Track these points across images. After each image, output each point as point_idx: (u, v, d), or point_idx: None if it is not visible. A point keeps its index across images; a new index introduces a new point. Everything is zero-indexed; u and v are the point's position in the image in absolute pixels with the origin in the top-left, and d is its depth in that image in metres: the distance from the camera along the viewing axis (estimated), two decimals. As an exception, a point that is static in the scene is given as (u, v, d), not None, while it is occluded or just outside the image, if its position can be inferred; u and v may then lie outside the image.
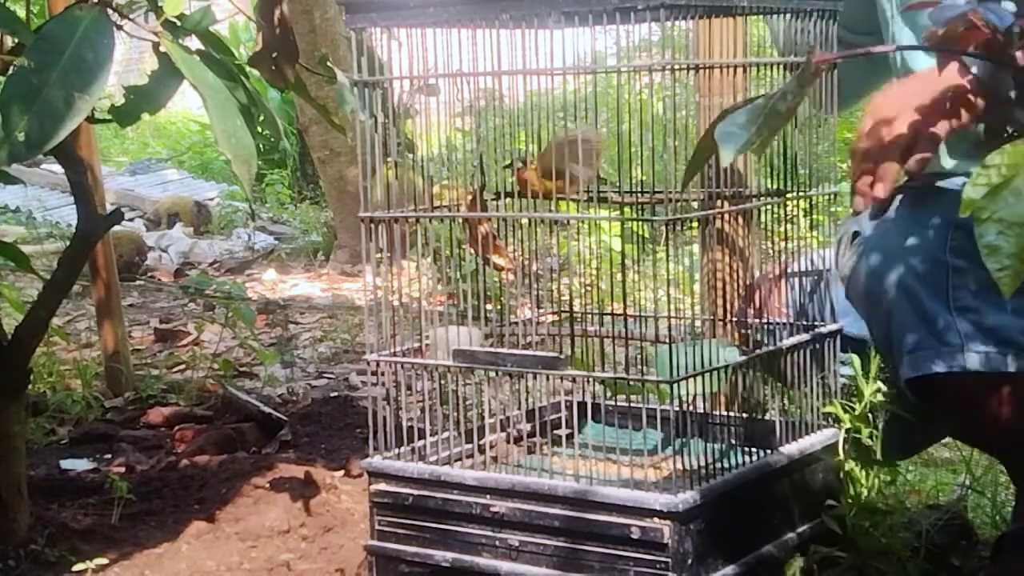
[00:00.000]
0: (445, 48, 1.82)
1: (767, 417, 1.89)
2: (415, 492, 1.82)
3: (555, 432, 2.02)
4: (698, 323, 2.05)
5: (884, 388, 1.82)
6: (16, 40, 1.84)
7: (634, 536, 1.64)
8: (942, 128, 1.60)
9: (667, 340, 1.82)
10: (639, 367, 1.99)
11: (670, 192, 1.69)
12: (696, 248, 2.20)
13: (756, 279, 2.03)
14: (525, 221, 1.99)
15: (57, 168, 5.71)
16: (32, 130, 1.54)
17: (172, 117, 11.53)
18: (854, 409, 1.84)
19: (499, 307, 2.15)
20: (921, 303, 1.54)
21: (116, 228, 2.47)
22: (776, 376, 1.86)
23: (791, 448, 1.84)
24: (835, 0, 1.84)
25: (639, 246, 2.05)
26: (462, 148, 2.00)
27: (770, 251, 1.94)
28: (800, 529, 1.84)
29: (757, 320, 1.91)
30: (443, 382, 1.86)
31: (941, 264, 1.53)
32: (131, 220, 7.54)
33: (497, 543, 1.76)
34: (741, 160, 1.94)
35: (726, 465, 1.75)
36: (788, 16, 1.82)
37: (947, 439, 2.31)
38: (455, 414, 1.87)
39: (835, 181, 1.90)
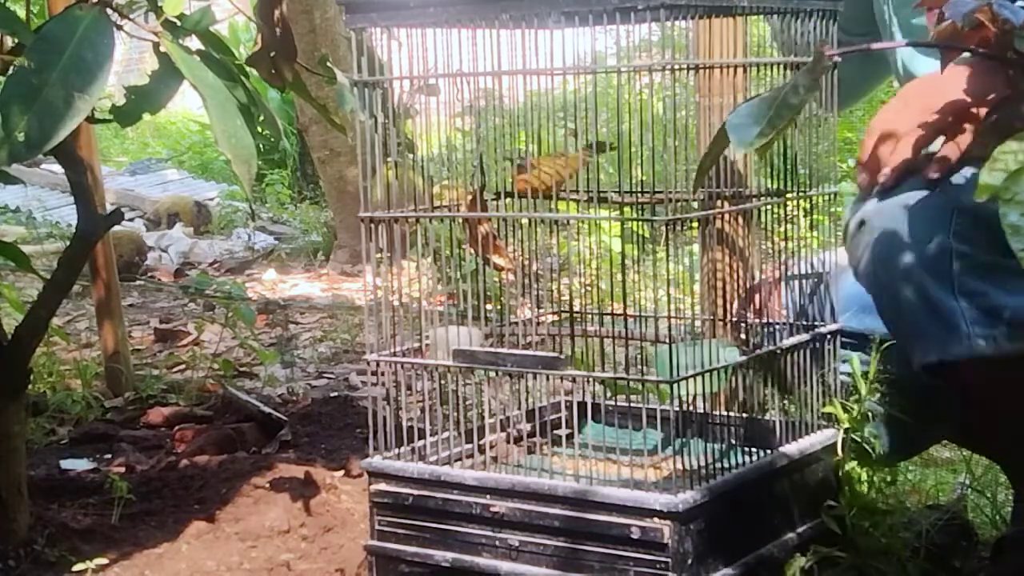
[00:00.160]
0: (445, 48, 1.82)
1: (767, 417, 1.89)
2: (415, 492, 1.82)
3: (555, 432, 2.02)
4: (698, 323, 2.05)
5: (884, 388, 1.82)
6: (16, 40, 1.84)
7: (634, 536, 1.64)
8: (951, 151, 1.60)
9: (667, 340, 1.82)
10: (639, 367, 1.99)
11: (670, 192, 1.69)
12: (696, 248, 2.20)
13: (756, 282, 2.03)
14: (525, 221, 1.99)
15: (57, 168, 5.71)
16: (32, 130, 1.54)
17: (172, 117, 11.53)
18: (854, 409, 1.84)
19: (499, 307, 2.15)
20: (926, 290, 1.54)
21: (116, 228, 2.47)
22: (776, 376, 1.86)
23: (791, 448, 1.84)
24: (835, 0, 1.84)
25: (639, 246, 2.05)
26: (462, 148, 2.00)
27: (770, 251, 1.94)
28: (800, 529, 1.84)
29: (757, 320, 1.91)
30: (443, 382, 1.86)
31: (945, 249, 1.53)
32: (131, 220, 7.55)
33: (497, 543, 1.76)
34: (741, 160, 1.94)
35: (726, 465, 1.75)
36: (788, 16, 1.82)
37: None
38: (455, 414, 1.87)
39: (835, 181, 1.90)
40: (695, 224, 1.96)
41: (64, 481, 2.58)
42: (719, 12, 1.87)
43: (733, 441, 1.90)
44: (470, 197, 1.92)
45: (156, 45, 1.71)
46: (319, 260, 6.27)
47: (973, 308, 1.52)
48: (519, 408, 2.05)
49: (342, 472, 2.49)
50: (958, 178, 1.58)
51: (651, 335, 2.00)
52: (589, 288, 2.12)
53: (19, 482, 2.14)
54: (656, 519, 1.63)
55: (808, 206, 1.89)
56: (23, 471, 2.15)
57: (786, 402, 1.87)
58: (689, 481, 1.68)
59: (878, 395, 1.82)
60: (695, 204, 1.87)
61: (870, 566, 1.83)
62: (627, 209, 1.88)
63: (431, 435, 1.88)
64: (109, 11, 1.67)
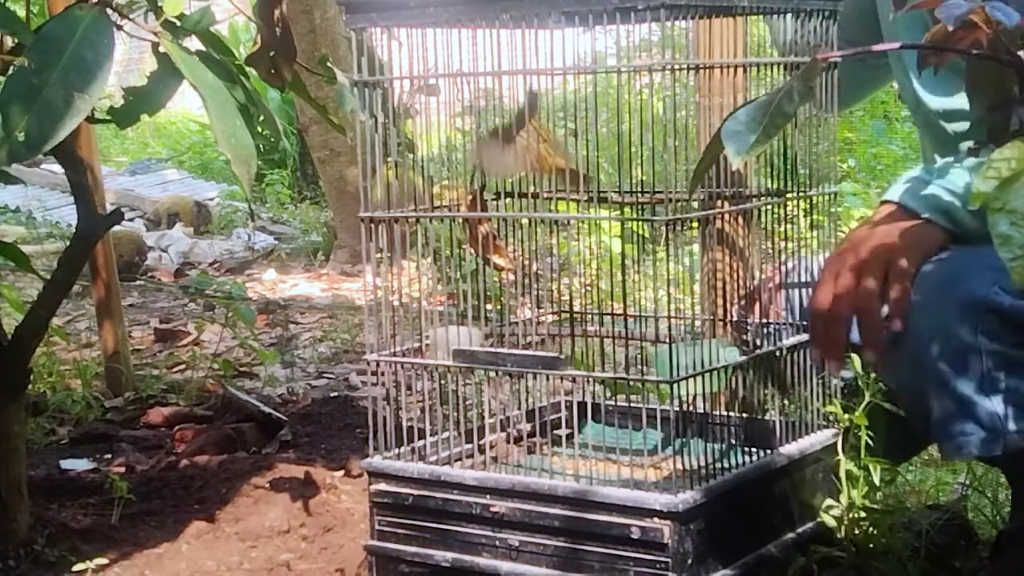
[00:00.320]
0: (445, 48, 1.82)
1: (767, 417, 1.89)
2: (415, 492, 1.82)
3: (555, 432, 2.02)
4: (698, 323, 2.05)
5: (884, 388, 1.82)
6: (16, 40, 1.84)
7: (634, 536, 1.64)
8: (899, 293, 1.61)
9: (667, 340, 1.82)
10: (639, 367, 1.99)
11: (670, 192, 1.69)
12: (696, 248, 2.20)
13: (756, 282, 2.02)
14: (525, 221, 1.99)
15: (57, 168, 5.71)
16: (32, 130, 1.54)
17: (172, 117, 11.53)
18: (854, 409, 1.84)
19: (499, 307, 2.15)
20: (958, 390, 1.54)
21: (116, 228, 2.47)
22: (776, 376, 1.86)
23: (791, 448, 1.84)
24: (835, 0, 1.84)
25: (639, 246, 2.05)
26: (462, 148, 2.00)
27: (770, 251, 1.94)
28: (800, 529, 1.84)
29: (757, 321, 1.91)
30: (443, 382, 1.86)
31: (975, 349, 1.53)
32: (131, 220, 7.55)
33: (497, 543, 1.76)
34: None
35: (726, 465, 1.75)
36: (788, 16, 1.82)
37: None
38: (455, 414, 1.87)
39: (835, 181, 1.90)
40: (695, 224, 1.96)
41: (64, 481, 2.58)
42: (719, 12, 1.87)
43: (733, 441, 1.90)
44: (470, 197, 1.92)
45: (156, 45, 1.71)
46: (319, 260, 6.27)
47: (1008, 404, 1.53)
48: (519, 408, 2.05)
49: (342, 472, 2.49)
50: (979, 272, 1.57)
51: (651, 335, 2.00)
52: (589, 288, 2.12)
53: (19, 482, 2.14)
54: (656, 519, 1.63)
55: (808, 206, 1.89)
56: (23, 471, 2.15)
57: (786, 402, 1.87)
58: (689, 481, 1.68)
59: (879, 395, 1.82)
60: (695, 204, 1.87)
61: (870, 566, 1.83)
62: (627, 209, 1.88)
63: (431, 435, 1.88)
64: (109, 11, 1.67)
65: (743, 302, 1.98)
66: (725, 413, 1.96)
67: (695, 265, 2.17)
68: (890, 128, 7.19)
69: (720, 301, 2.01)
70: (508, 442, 1.98)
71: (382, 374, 1.88)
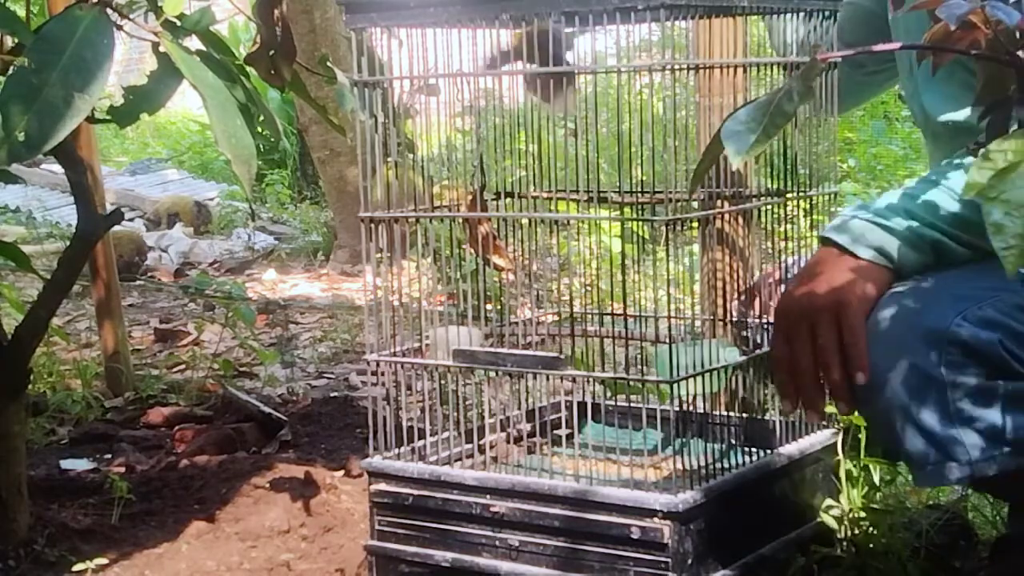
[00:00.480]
0: (445, 48, 1.82)
1: (767, 417, 1.89)
2: (415, 492, 1.82)
3: (555, 432, 2.02)
4: (698, 323, 2.05)
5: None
6: (16, 40, 1.84)
7: (634, 536, 1.64)
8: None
9: (667, 340, 1.82)
10: (639, 367, 1.99)
11: (670, 192, 1.69)
12: (696, 248, 2.20)
13: (755, 283, 2.03)
14: (525, 221, 1.99)
15: (57, 168, 5.71)
16: (32, 130, 1.54)
17: (172, 117, 11.53)
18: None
19: (499, 307, 2.15)
20: (922, 423, 1.55)
21: (116, 228, 2.47)
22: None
23: (791, 448, 1.84)
24: (835, 0, 1.84)
25: (639, 246, 2.05)
26: (462, 148, 2.00)
27: (770, 251, 1.94)
28: (800, 529, 1.84)
29: (757, 320, 1.91)
30: (443, 382, 1.86)
31: (939, 380, 1.54)
32: (131, 220, 7.54)
33: (497, 543, 1.76)
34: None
35: (726, 465, 1.75)
36: (787, 16, 1.82)
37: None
38: (455, 414, 1.88)
39: (835, 181, 1.90)
40: (695, 224, 1.96)
41: (64, 481, 2.58)
42: (719, 12, 1.87)
43: (733, 441, 1.90)
44: (470, 197, 1.92)
45: (156, 45, 1.71)
46: (319, 260, 6.27)
47: (973, 433, 1.54)
48: (519, 408, 2.05)
49: (342, 472, 2.49)
50: (939, 304, 1.58)
51: (651, 335, 2.00)
52: (589, 288, 2.12)
53: (19, 482, 2.14)
54: (656, 519, 1.63)
55: (808, 206, 1.89)
56: (23, 471, 2.15)
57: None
58: (689, 481, 1.68)
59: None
60: (695, 204, 1.87)
61: (870, 566, 1.83)
62: (627, 209, 1.88)
63: (431, 435, 1.88)
64: (109, 11, 1.66)
65: (743, 299, 1.99)
66: (725, 413, 1.96)
67: (695, 265, 2.17)
68: (890, 128, 7.20)
69: (720, 301, 2.02)
70: (508, 442, 1.98)
71: (382, 374, 1.88)
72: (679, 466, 1.71)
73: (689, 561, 1.64)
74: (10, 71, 1.58)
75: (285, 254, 6.53)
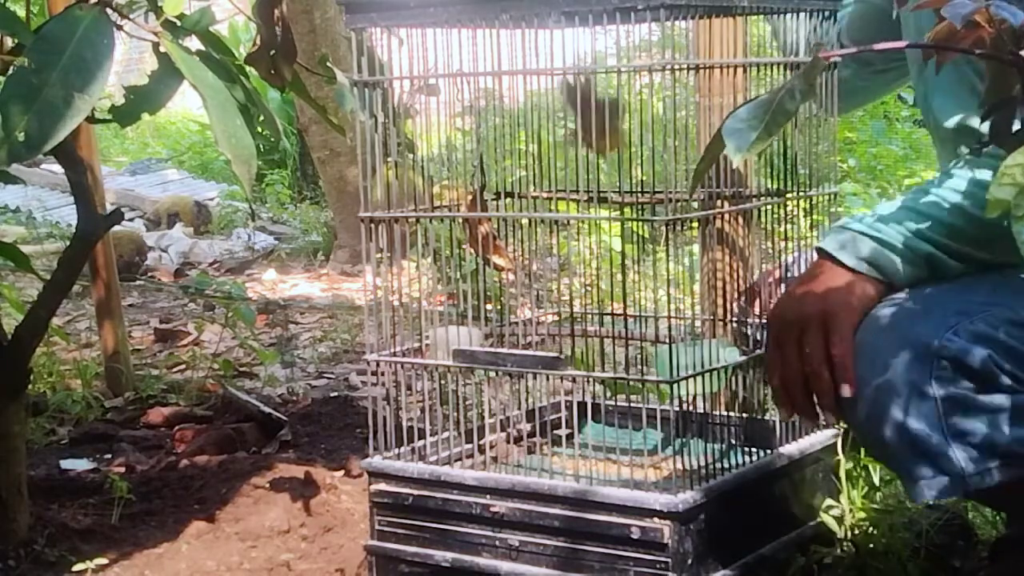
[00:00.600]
0: (445, 48, 1.82)
1: (767, 417, 1.89)
2: (415, 492, 1.82)
3: (555, 432, 2.02)
4: (698, 323, 2.05)
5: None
6: (16, 40, 1.84)
7: (634, 536, 1.64)
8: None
9: (667, 340, 1.82)
10: (639, 367, 1.99)
11: (670, 192, 1.69)
12: (696, 248, 2.20)
13: (755, 282, 2.03)
14: (525, 221, 1.99)
15: (57, 168, 5.71)
16: (32, 130, 1.54)
17: (172, 117, 11.53)
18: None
19: (499, 307, 2.15)
20: (913, 437, 1.56)
21: (116, 228, 2.47)
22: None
23: (791, 448, 1.84)
24: (835, 0, 1.84)
25: (639, 246, 2.05)
26: (462, 148, 2.00)
27: (770, 251, 1.94)
28: (800, 529, 1.84)
29: (757, 320, 1.91)
30: (443, 382, 1.86)
31: (929, 395, 1.54)
32: (131, 220, 7.54)
33: (497, 543, 1.76)
34: (740, 161, 1.93)
35: (726, 465, 1.75)
36: (788, 16, 1.82)
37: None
38: (455, 414, 1.88)
39: (835, 181, 1.90)
40: (695, 224, 1.96)
41: (64, 481, 2.58)
42: (719, 12, 1.87)
43: (733, 441, 1.90)
44: (470, 197, 1.92)
45: (156, 45, 1.71)
46: (319, 260, 6.27)
47: (965, 446, 1.54)
48: (519, 408, 2.05)
49: (342, 472, 2.49)
50: (930, 318, 1.58)
51: (651, 335, 2.00)
52: (589, 288, 2.12)
53: (19, 482, 2.14)
54: (656, 519, 1.63)
55: (808, 206, 1.89)
56: (23, 471, 2.15)
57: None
58: (689, 481, 1.68)
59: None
60: (695, 204, 1.87)
61: (870, 566, 1.83)
62: (627, 209, 1.88)
63: (431, 435, 1.88)
64: (109, 11, 1.66)
65: (743, 298, 1.98)
66: (725, 413, 1.96)
67: (695, 265, 2.17)
68: (890, 128, 7.19)
69: (720, 301, 2.02)
70: (508, 442, 1.98)
71: (382, 374, 1.88)
72: (679, 466, 1.71)
73: (689, 561, 1.64)
74: (10, 71, 1.58)
75: (285, 254, 6.53)
